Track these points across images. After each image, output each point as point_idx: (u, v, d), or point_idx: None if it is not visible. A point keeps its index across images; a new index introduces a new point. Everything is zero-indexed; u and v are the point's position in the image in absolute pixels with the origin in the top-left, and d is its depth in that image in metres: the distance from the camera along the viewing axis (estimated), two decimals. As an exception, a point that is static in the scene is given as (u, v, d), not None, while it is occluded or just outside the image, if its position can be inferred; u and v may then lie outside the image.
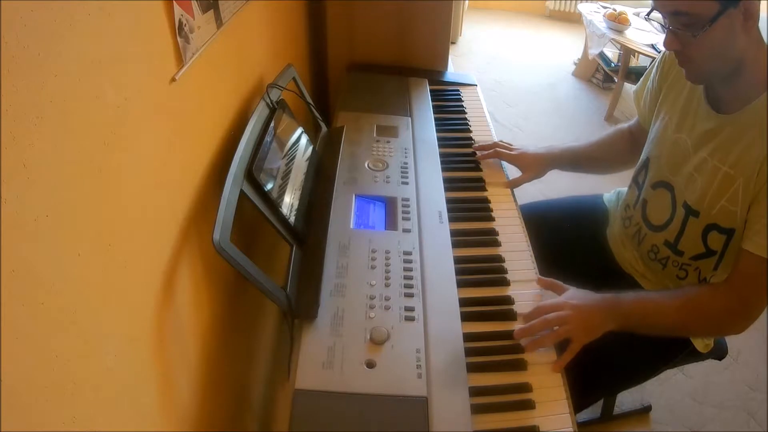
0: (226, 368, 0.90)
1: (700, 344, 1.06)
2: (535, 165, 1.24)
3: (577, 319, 0.86)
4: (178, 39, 0.65)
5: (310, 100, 1.20)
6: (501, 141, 1.29)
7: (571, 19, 4.66)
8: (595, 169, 1.34)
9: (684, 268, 1.03)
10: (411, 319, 0.79)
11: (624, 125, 1.30)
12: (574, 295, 0.91)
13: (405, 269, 0.86)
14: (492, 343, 0.84)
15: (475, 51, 4.08)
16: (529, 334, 0.86)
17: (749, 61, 0.86)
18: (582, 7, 3.48)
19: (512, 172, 1.25)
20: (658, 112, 1.09)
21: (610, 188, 1.36)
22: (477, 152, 1.28)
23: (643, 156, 1.13)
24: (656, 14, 0.90)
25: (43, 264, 0.43)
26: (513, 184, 1.21)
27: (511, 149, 1.26)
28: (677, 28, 0.85)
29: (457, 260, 0.92)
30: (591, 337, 0.87)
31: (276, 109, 0.96)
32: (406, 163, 1.12)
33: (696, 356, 1.11)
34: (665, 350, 1.07)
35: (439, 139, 1.24)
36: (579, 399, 0.80)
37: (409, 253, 0.89)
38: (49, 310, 0.43)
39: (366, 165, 1.10)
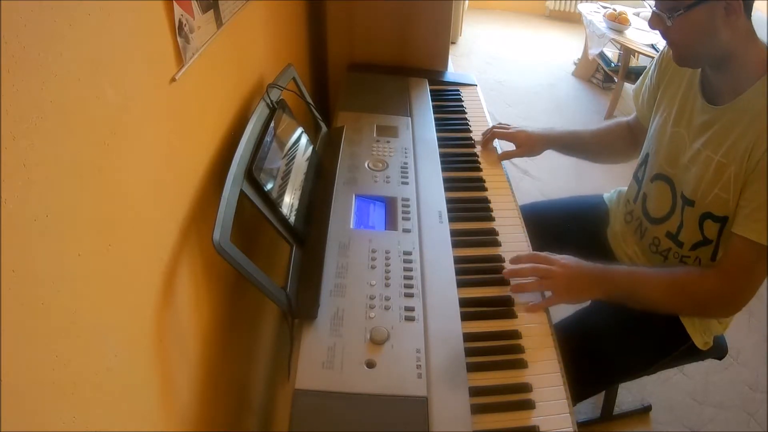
0: (226, 368, 0.90)
1: (700, 341, 1.06)
2: (529, 142, 1.28)
3: (562, 277, 0.92)
4: (178, 39, 0.65)
5: (310, 100, 1.20)
6: (499, 123, 1.32)
7: (571, 19, 4.66)
8: (590, 156, 1.37)
9: (684, 260, 1.05)
10: (411, 319, 0.79)
11: (624, 119, 1.32)
12: (567, 257, 0.97)
13: (405, 269, 0.86)
14: (492, 343, 0.84)
15: (475, 51, 4.08)
16: (517, 275, 0.94)
17: (739, 54, 0.90)
18: (582, 7, 3.48)
19: (512, 171, 1.25)
20: (657, 107, 1.11)
21: (610, 188, 1.36)
22: (478, 143, 1.31)
23: (642, 152, 1.15)
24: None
25: (43, 264, 0.43)
26: (504, 157, 1.26)
27: (507, 128, 1.30)
28: (660, 9, 0.91)
29: (457, 260, 0.92)
30: (573, 298, 0.94)
31: (276, 109, 0.96)
32: (406, 163, 1.12)
33: (696, 355, 1.12)
34: (664, 341, 1.08)
35: (439, 139, 1.24)
36: (578, 388, 0.82)
37: (409, 253, 0.89)
38: (49, 310, 0.43)
39: (366, 165, 1.10)
